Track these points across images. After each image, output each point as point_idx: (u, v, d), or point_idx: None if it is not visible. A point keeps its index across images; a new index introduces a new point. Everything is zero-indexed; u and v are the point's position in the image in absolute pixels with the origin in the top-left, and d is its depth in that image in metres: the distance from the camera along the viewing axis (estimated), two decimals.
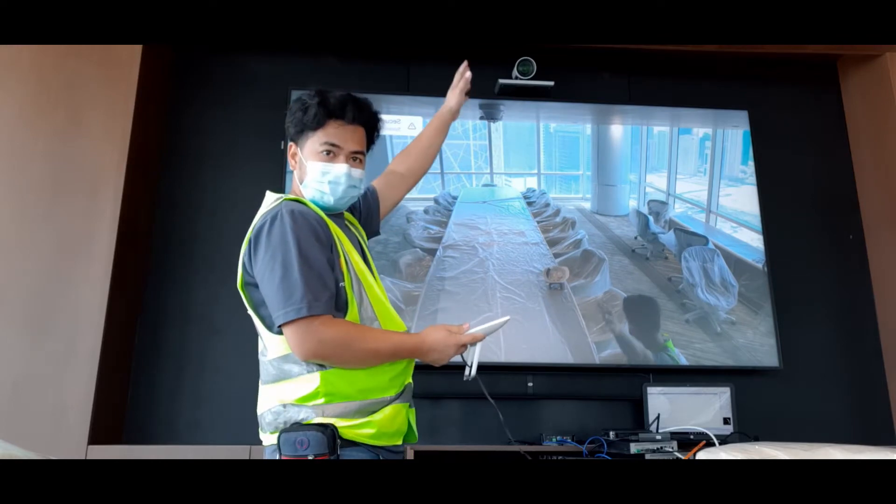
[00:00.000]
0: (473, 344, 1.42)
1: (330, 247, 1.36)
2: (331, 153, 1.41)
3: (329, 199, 1.43)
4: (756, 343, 2.95)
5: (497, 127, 3.15)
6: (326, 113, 1.41)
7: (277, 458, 1.30)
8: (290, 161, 1.47)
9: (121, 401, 2.69)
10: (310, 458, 1.25)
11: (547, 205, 3.11)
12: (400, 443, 1.44)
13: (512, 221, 3.06)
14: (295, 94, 2.99)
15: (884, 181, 3.17)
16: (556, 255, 3.03)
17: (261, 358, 1.42)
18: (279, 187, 2.90)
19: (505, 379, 2.87)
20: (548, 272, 2.99)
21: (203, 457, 2.35)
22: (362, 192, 1.55)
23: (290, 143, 1.47)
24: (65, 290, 2.51)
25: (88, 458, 2.35)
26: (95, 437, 2.41)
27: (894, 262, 3.09)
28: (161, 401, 2.74)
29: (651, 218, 3.12)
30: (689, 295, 3.01)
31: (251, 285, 1.37)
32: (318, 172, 1.41)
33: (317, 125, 1.41)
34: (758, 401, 2.92)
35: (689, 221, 3.13)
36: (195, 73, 3.12)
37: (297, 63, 3.16)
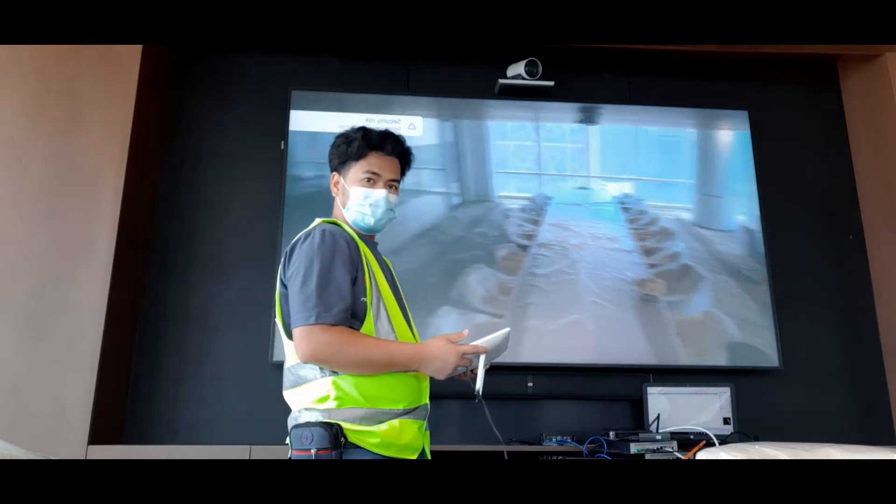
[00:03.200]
0: (477, 356, 1.43)
1: (356, 265, 1.46)
2: (371, 180, 1.56)
3: (370, 221, 1.56)
4: (756, 343, 2.95)
5: (595, 130, 3.11)
6: (368, 145, 1.56)
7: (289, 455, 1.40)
8: (333, 189, 1.61)
9: (121, 401, 2.69)
10: (312, 451, 1.32)
11: (643, 212, 3.03)
12: (413, 458, 1.45)
13: (605, 226, 3.00)
14: (295, 94, 3.00)
15: (884, 181, 3.16)
16: (651, 266, 2.96)
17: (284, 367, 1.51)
18: (278, 187, 2.91)
19: (505, 379, 2.86)
20: (642, 283, 2.93)
21: (203, 457, 2.35)
22: (396, 217, 1.64)
23: (334, 173, 1.61)
24: (65, 290, 2.51)
25: (88, 458, 2.35)
26: (95, 437, 2.41)
27: (894, 262, 3.09)
28: (161, 401, 2.74)
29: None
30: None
31: (285, 297, 1.47)
32: (360, 197, 1.55)
33: (359, 156, 1.56)
34: (758, 401, 2.92)
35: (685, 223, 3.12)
36: (195, 73, 3.12)
37: (297, 63, 3.17)
